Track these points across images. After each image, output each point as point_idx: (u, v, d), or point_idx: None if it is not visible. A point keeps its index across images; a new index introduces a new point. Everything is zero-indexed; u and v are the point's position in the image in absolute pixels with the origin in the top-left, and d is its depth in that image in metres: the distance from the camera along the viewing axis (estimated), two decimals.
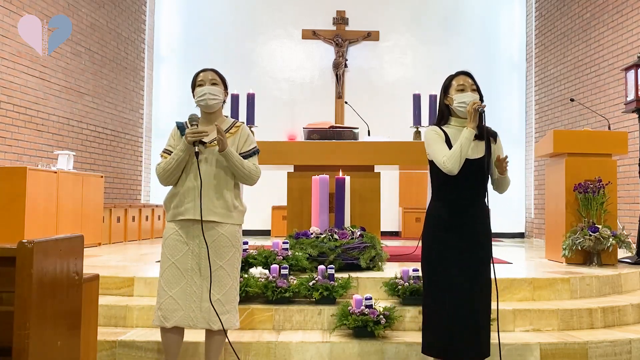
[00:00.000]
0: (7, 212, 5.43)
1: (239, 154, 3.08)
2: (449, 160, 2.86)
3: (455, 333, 2.87)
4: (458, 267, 2.91)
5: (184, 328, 3.04)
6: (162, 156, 3.12)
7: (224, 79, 3.18)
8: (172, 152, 3.07)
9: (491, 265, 3.00)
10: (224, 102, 3.18)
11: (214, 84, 3.09)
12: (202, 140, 2.98)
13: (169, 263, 2.99)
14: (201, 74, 3.13)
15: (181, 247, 2.99)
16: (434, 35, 10.34)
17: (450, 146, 2.92)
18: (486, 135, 2.96)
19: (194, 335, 3.52)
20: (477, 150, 2.96)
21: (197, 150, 2.94)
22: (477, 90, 2.98)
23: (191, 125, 2.98)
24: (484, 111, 2.91)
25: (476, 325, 2.89)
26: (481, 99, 2.98)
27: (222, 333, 3.04)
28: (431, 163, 3.01)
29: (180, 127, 3.11)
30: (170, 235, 3.02)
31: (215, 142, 3.01)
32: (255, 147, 3.16)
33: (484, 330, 2.94)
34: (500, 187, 3.14)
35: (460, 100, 2.93)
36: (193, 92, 3.12)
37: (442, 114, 3.07)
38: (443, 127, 3.02)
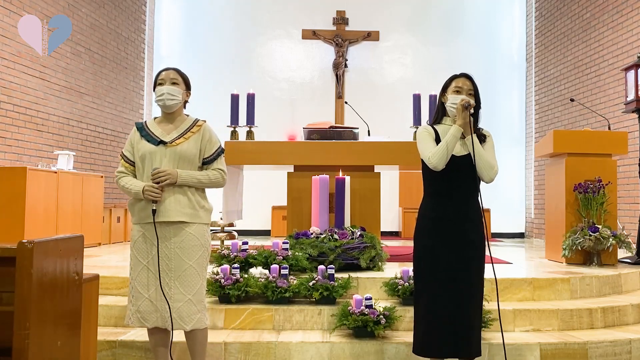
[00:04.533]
0: (7, 212, 5.43)
1: (204, 159, 3.06)
2: (434, 156, 2.89)
3: (443, 332, 2.87)
4: (447, 265, 2.91)
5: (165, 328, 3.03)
6: (121, 161, 3.09)
7: (186, 79, 3.14)
8: (130, 160, 3.06)
9: (485, 263, 3.00)
10: (186, 102, 3.15)
11: (174, 83, 3.06)
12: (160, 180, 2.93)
13: (141, 266, 2.97)
14: (163, 73, 3.09)
15: (150, 249, 2.97)
16: (434, 35, 10.34)
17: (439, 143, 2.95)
18: (472, 132, 2.93)
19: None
20: (465, 148, 2.97)
21: (154, 208, 2.92)
22: (475, 95, 2.99)
23: (152, 177, 2.93)
24: (471, 107, 2.90)
25: (467, 325, 2.88)
26: (478, 104, 2.99)
27: (203, 332, 3.03)
28: (423, 161, 3.03)
29: (140, 128, 3.08)
30: (138, 238, 2.99)
31: (177, 141, 3.00)
32: (219, 147, 3.12)
33: (475, 330, 2.93)
34: (480, 167, 2.92)
35: (452, 101, 2.97)
36: (154, 90, 3.09)
37: (437, 112, 3.12)
38: (435, 126, 3.06)
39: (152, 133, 3.04)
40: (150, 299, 2.94)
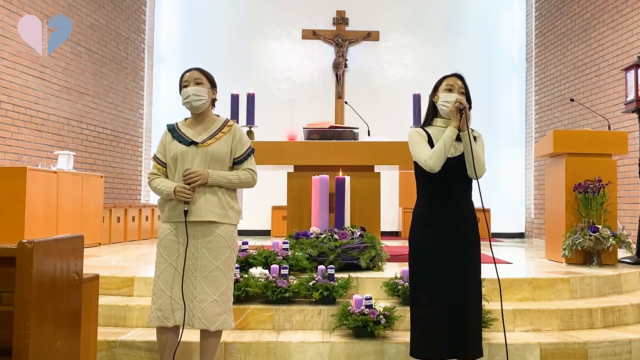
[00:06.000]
0: (7, 212, 5.43)
1: (234, 159, 3.08)
2: (431, 158, 2.90)
3: (440, 334, 2.87)
4: (443, 266, 2.92)
5: (179, 327, 3.04)
6: (153, 163, 3.12)
7: (210, 77, 3.14)
8: (162, 161, 3.08)
9: (482, 263, 3.01)
10: (215, 100, 3.16)
11: (198, 83, 3.06)
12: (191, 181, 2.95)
13: (167, 264, 2.98)
14: (186, 75, 3.10)
15: (177, 247, 2.98)
16: (434, 35, 10.34)
17: (433, 146, 2.96)
18: (468, 129, 2.93)
19: (194, 336, 3.52)
20: (457, 149, 2.98)
21: (185, 209, 2.94)
22: (466, 94, 3.01)
23: (184, 177, 2.95)
24: (464, 110, 2.90)
25: (464, 325, 2.88)
26: (469, 104, 3.00)
27: (218, 334, 3.04)
28: (415, 163, 3.04)
29: (171, 129, 3.10)
30: (166, 236, 3.00)
31: (208, 142, 3.01)
32: (250, 147, 3.13)
33: (474, 330, 2.93)
34: (471, 166, 2.93)
35: (444, 99, 2.98)
36: (180, 93, 3.10)
37: (428, 114, 3.12)
38: (426, 128, 3.07)
39: (184, 134, 3.06)
40: (173, 298, 2.94)
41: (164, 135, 3.12)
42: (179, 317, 2.94)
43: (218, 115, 3.18)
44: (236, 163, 3.09)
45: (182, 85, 3.09)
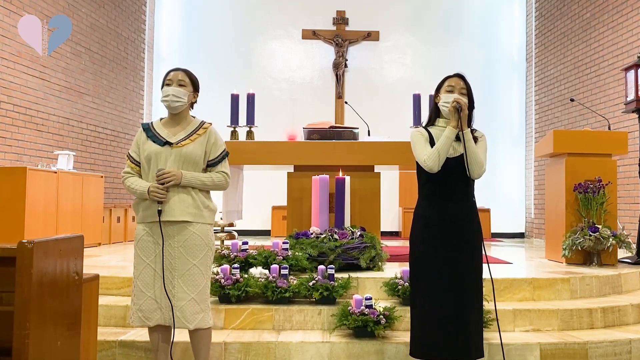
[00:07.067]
0: (7, 212, 5.43)
1: (208, 161, 3.08)
2: (430, 158, 2.91)
3: (440, 334, 2.88)
4: (442, 266, 2.92)
5: (167, 327, 3.04)
6: (127, 162, 3.11)
7: (195, 80, 3.14)
8: (135, 160, 3.08)
9: (483, 264, 3.01)
10: (194, 103, 3.16)
11: (181, 85, 3.06)
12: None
13: (144, 264, 2.98)
14: (171, 74, 3.10)
15: (154, 247, 2.98)
16: (434, 35, 10.34)
17: (434, 146, 2.97)
18: (462, 129, 2.92)
19: None
20: (457, 150, 2.99)
21: (159, 208, 2.94)
22: (468, 94, 3.01)
23: (157, 177, 2.95)
24: (463, 109, 2.90)
25: (464, 326, 2.88)
26: (471, 103, 3.01)
27: (205, 331, 3.04)
28: (417, 163, 3.06)
29: (146, 128, 3.10)
30: (142, 236, 3.01)
31: (182, 143, 3.01)
32: (224, 150, 3.13)
33: (475, 331, 2.93)
34: (469, 162, 2.93)
35: (445, 100, 3.00)
36: (162, 89, 3.10)
37: (431, 114, 3.15)
38: (428, 128, 3.09)
39: (158, 134, 3.06)
40: (154, 298, 2.95)
41: (139, 135, 3.11)
42: (160, 316, 2.95)
43: (194, 117, 3.18)
44: (210, 165, 3.09)
45: (165, 83, 3.09)
